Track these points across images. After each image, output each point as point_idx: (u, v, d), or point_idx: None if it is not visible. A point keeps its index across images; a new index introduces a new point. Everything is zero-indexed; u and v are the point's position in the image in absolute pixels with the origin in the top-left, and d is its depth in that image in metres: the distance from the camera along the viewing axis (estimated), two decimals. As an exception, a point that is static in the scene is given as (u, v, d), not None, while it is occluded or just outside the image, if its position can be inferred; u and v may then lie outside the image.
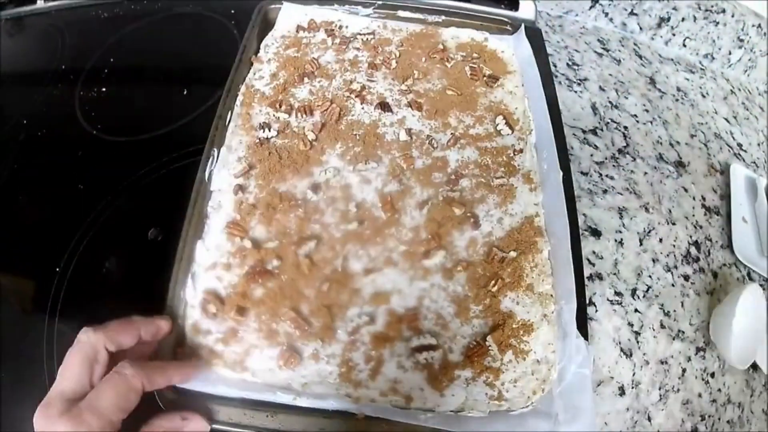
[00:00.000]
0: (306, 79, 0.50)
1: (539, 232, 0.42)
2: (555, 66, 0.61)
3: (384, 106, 0.48)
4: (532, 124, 0.48)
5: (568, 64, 0.62)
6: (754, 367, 0.48)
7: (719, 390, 0.46)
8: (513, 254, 0.41)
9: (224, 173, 0.43)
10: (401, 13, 0.56)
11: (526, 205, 0.44)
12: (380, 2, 0.56)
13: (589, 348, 0.36)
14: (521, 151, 0.46)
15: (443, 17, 0.56)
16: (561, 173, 0.44)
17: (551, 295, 0.40)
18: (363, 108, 0.48)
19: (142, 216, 0.48)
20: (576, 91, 0.60)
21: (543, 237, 0.42)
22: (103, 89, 0.57)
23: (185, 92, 0.56)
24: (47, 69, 0.60)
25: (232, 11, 0.62)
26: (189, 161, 0.49)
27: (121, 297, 0.44)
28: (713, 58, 0.71)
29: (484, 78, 0.51)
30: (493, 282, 0.39)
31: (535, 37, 0.54)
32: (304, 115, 0.47)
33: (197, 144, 0.46)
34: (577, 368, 0.36)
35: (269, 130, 0.46)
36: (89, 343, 0.32)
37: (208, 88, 0.55)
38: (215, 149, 0.44)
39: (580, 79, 0.61)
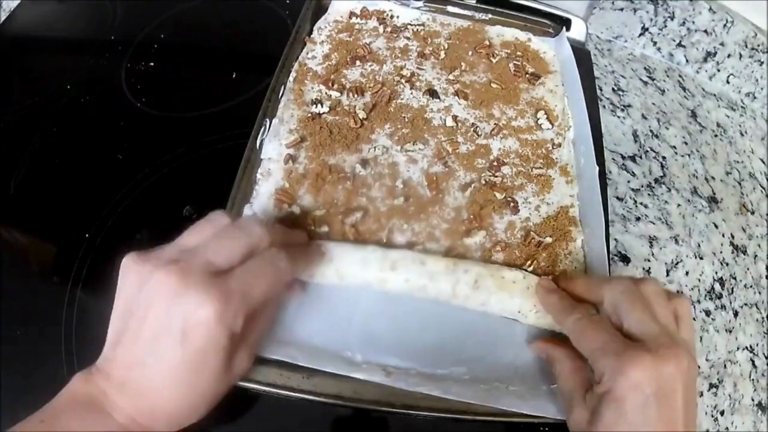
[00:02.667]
0: (358, 62, 0.52)
1: (573, 221, 0.44)
2: (601, 89, 0.61)
3: (432, 93, 0.50)
4: (570, 121, 0.50)
5: (613, 89, 0.63)
6: (764, 409, 0.48)
7: (727, 429, 0.46)
8: (549, 240, 0.42)
9: (275, 143, 0.45)
10: (450, 8, 0.58)
11: (563, 195, 0.46)
12: None
13: None
14: (559, 145, 0.49)
15: (490, 15, 0.58)
16: (597, 168, 0.45)
17: None
18: (412, 93, 0.50)
19: (178, 192, 0.48)
20: (619, 117, 0.60)
21: (577, 227, 0.44)
22: (151, 64, 0.58)
23: (233, 75, 0.57)
24: (96, 38, 0.60)
25: (288, 1, 0.63)
26: (230, 144, 0.50)
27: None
28: (755, 98, 0.70)
29: (527, 75, 0.53)
30: (529, 262, 0.41)
31: (584, 58, 0.55)
32: (356, 95, 0.49)
33: (240, 128, 0.46)
34: None
35: (321, 106, 0.48)
36: (260, 237, 0.32)
37: (256, 74, 0.55)
38: (267, 119, 0.46)
39: (624, 105, 0.61)
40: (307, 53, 0.52)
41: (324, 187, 0.43)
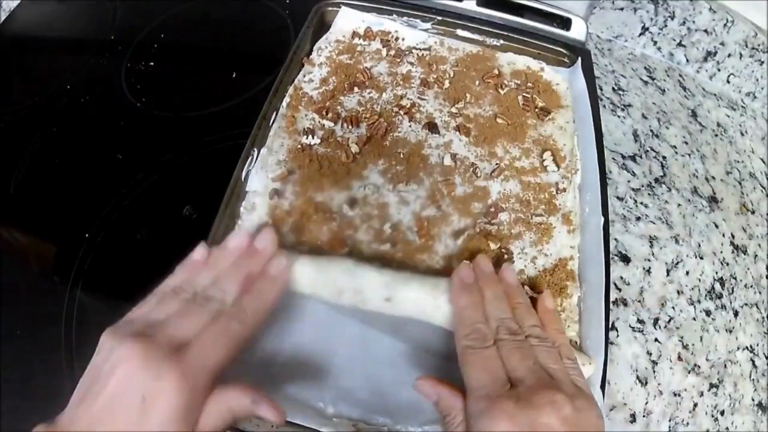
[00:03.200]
0: (356, 89, 0.49)
1: (571, 276, 0.42)
2: (601, 89, 0.61)
3: (432, 127, 0.48)
4: (578, 164, 0.47)
5: (613, 88, 0.63)
6: (764, 409, 0.48)
7: (727, 429, 0.46)
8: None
9: (262, 175, 0.43)
10: (460, 32, 0.56)
11: (562, 246, 0.43)
12: (440, 18, 0.56)
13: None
14: (564, 190, 0.46)
15: (501, 41, 0.56)
16: (602, 219, 0.43)
17: (576, 342, 0.39)
18: (410, 126, 0.48)
19: (178, 192, 0.48)
20: (619, 116, 0.60)
21: (575, 282, 0.41)
22: (151, 64, 0.58)
23: (234, 75, 0.57)
24: (96, 38, 0.61)
25: (288, 1, 0.63)
26: (230, 144, 0.50)
27: (147, 269, 0.44)
28: (755, 97, 0.70)
29: (536, 110, 0.50)
30: None
31: (585, 58, 0.54)
32: (350, 126, 0.47)
33: (240, 128, 0.46)
34: None
35: (313, 137, 0.45)
36: (222, 302, 0.33)
37: (257, 74, 0.55)
38: (255, 149, 0.44)
39: (624, 105, 0.61)
40: (304, 76, 0.50)
41: (308, 226, 0.41)
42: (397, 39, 0.55)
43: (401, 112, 0.48)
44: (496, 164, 0.47)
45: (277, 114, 0.47)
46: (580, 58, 0.54)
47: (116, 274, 0.44)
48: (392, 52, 0.53)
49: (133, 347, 0.29)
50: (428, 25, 0.56)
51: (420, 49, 0.54)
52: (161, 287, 0.35)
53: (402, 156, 0.46)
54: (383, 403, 0.35)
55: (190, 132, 0.52)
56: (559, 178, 0.47)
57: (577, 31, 0.56)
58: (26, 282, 0.44)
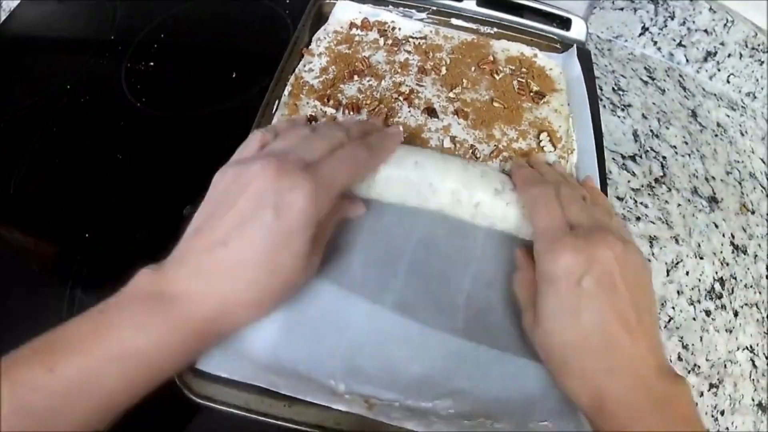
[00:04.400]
0: (356, 77, 0.50)
1: None
2: (601, 89, 0.61)
3: (430, 112, 0.49)
4: (574, 144, 0.48)
5: (613, 88, 0.63)
6: (764, 409, 0.48)
7: (727, 429, 0.46)
8: None
9: None
10: (454, 21, 0.57)
11: None
12: (435, 8, 0.56)
13: None
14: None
15: (495, 29, 0.56)
16: None
17: None
18: (410, 111, 0.49)
19: (178, 192, 0.48)
20: (619, 116, 0.60)
21: None
22: (151, 63, 0.58)
23: (234, 75, 0.57)
24: (96, 38, 0.61)
25: (288, 0, 0.63)
26: (230, 144, 0.50)
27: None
28: (755, 97, 0.70)
29: (531, 94, 0.51)
30: None
31: (585, 58, 0.54)
32: (352, 112, 0.48)
33: (240, 128, 0.46)
34: None
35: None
36: (340, 138, 0.36)
37: (257, 74, 0.55)
38: None
39: (624, 105, 0.61)
40: (304, 65, 0.51)
41: None
42: (393, 29, 0.56)
43: (401, 98, 0.49)
44: (495, 146, 0.47)
45: (279, 102, 0.48)
46: (574, 45, 0.55)
47: (116, 274, 0.44)
48: (389, 42, 0.54)
49: (268, 163, 0.30)
50: (424, 15, 0.57)
51: (416, 38, 0.55)
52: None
53: (403, 140, 0.46)
54: (394, 379, 0.36)
55: (190, 132, 0.52)
56: (555, 158, 0.48)
57: (577, 31, 0.56)
58: (26, 282, 0.44)
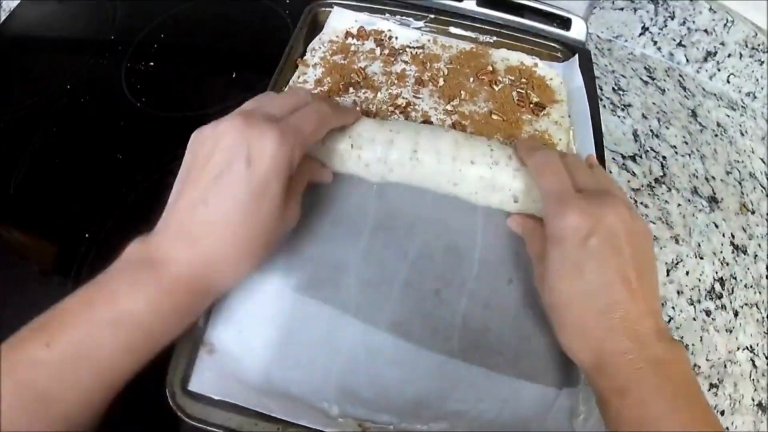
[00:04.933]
0: (351, 89, 0.49)
1: None
2: (601, 89, 0.61)
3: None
4: None
5: (613, 88, 0.63)
6: (764, 409, 0.48)
7: (727, 429, 0.46)
8: None
9: None
10: (453, 30, 0.56)
11: None
12: (433, 16, 0.56)
13: None
14: None
15: (495, 38, 0.56)
16: None
17: None
18: None
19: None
20: (619, 116, 0.60)
21: None
22: (151, 64, 0.58)
23: (234, 75, 0.57)
24: (96, 38, 0.61)
25: (288, 1, 0.63)
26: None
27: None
28: (755, 97, 0.70)
29: (531, 105, 0.50)
30: None
31: (585, 58, 0.54)
32: None
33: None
34: None
35: None
36: (305, 96, 0.37)
37: (257, 74, 0.55)
38: None
39: (624, 105, 0.61)
40: (299, 77, 0.50)
41: None
42: (390, 38, 0.54)
43: (397, 111, 0.48)
44: None
45: None
46: (576, 54, 0.54)
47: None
48: (386, 51, 0.53)
49: (235, 119, 0.31)
50: (421, 23, 0.56)
51: (413, 48, 0.54)
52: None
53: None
54: (388, 401, 0.35)
55: (190, 132, 0.52)
56: None
57: (577, 31, 0.56)
58: (26, 282, 0.44)
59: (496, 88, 0.51)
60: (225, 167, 0.30)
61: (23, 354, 0.26)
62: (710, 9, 0.63)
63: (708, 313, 0.49)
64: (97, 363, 0.27)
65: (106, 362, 0.28)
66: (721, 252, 0.53)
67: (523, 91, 0.51)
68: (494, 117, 0.49)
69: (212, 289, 0.32)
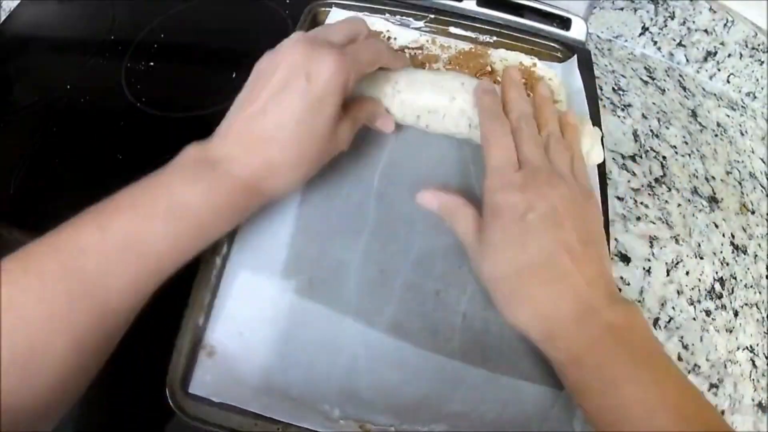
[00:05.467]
0: None
1: None
2: (601, 89, 0.61)
3: None
4: None
5: (613, 88, 0.63)
6: (764, 409, 0.48)
7: (728, 428, 0.47)
8: None
9: None
10: (452, 30, 0.56)
11: None
12: (432, 16, 0.56)
13: None
14: None
15: (494, 38, 0.56)
16: (602, 218, 0.42)
17: None
18: None
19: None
20: (619, 116, 0.60)
21: None
22: (151, 63, 0.58)
23: (233, 75, 0.57)
24: (96, 38, 0.60)
25: (288, 1, 0.63)
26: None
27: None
28: (755, 97, 0.70)
29: None
30: None
31: (585, 58, 0.54)
32: None
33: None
34: None
35: None
36: (364, 27, 0.40)
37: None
38: None
39: (624, 105, 0.61)
40: None
41: None
42: (389, 38, 0.54)
43: None
44: None
45: None
46: (575, 54, 0.54)
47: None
48: None
49: (298, 42, 0.34)
50: (421, 23, 0.56)
51: (412, 48, 0.53)
52: None
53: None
54: (389, 403, 0.35)
55: (190, 132, 0.52)
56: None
57: (577, 31, 0.56)
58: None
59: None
60: (286, 83, 0.32)
61: (74, 239, 0.27)
62: (710, 9, 0.63)
63: (708, 313, 0.49)
64: (146, 252, 0.28)
65: (154, 252, 0.29)
66: (721, 252, 0.53)
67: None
68: None
69: (263, 192, 0.33)
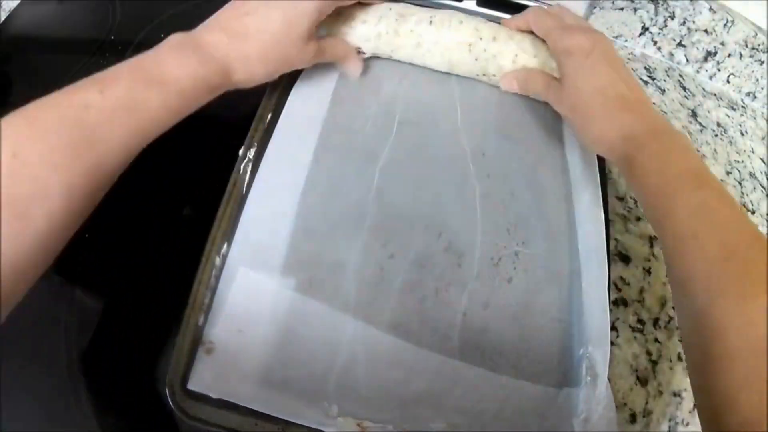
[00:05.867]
0: None
1: None
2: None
3: None
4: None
5: (613, 88, 0.63)
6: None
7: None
8: None
9: None
10: None
11: None
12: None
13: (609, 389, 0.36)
14: None
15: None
16: (603, 213, 0.43)
17: None
18: None
19: (178, 193, 0.48)
20: (619, 116, 0.60)
21: None
22: (151, 63, 0.58)
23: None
24: (96, 38, 0.60)
25: (288, 0, 0.63)
26: (231, 143, 0.50)
27: (148, 270, 0.44)
28: (755, 97, 0.70)
29: None
30: None
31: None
32: None
33: (240, 128, 0.46)
34: (603, 411, 0.35)
35: None
36: None
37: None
38: (251, 149, 0.44)
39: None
40: None
41: None
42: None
43: None
44: None
45: (271, 115, 0.46)
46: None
47: (116, 274, 0.44)
48: None
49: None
50: None
51: None
52: None
53: None
54: (388, 400, 0.35)
55: (190, 132, 0.52)
56: None
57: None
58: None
59: None
60: None
61: (76, 97, 0.31)
62: (710, 9, 0.63)
63: (708, 313, 0.49)
64: (141, 114, 0.32)
65: (148, 115, 0.33)
66: (721, 252, 0.53)
67: None
68: None
69: (236, 77, 0.39)
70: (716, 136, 0.64)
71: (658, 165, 0.35)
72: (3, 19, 0.62)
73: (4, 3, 0.63)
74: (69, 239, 0.31)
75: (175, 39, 0.37)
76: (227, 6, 0.40)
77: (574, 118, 0.42)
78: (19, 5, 0.63)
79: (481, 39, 0.46)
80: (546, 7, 0.50)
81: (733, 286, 0.29)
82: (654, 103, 0.63)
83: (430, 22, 0.46)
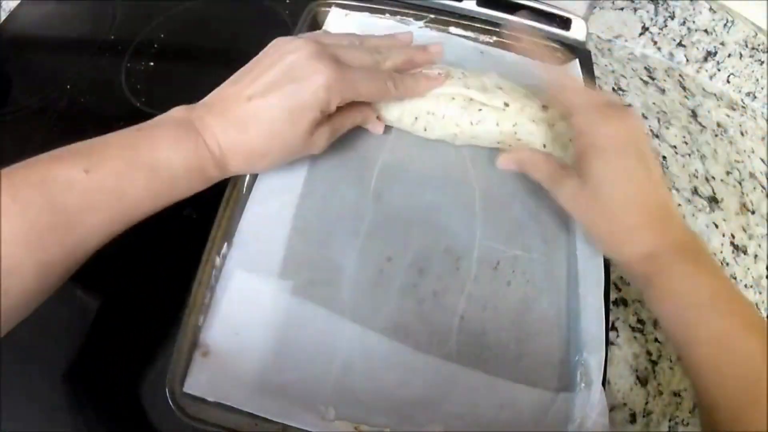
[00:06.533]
0: None
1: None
2: (601, 89, 0.61)
3: None
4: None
5: (614, 88, 0.63)
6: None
7: (728, 428, 0.46)
8: None
9: None
10: (452, 30, 0.56)
11: None
12: (433, 16, 0.55)
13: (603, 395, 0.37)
14: None
15: (494, 38, 0.56)
16: None
17: None
18: None
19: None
20: (619, 117, 0.60)
21: None
22: (151, 63, 0.58)
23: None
24: (96, 38, 0.60)
25: (287, 1, 0.63)
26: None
27: (148, 269, 0.44)
28: (755, 97, 0.70)
29: None
30: None
31: (585, 58, 0.54)
32: None
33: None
34: (597, 417, 0.36)
35: None
36: (384, 57, 0.40)
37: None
38: None
39: (624, 105, 0.61)
40: None
41: None
42: None
43: None
44: None
45: None
46: (576, 58, 0.54)
47: (117, 274, 0.44)
48: None
49: (309, 43, 0.36)
50: (421, 24, 0.56)
51: None
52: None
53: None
54: (385, 404, 0.35)
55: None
56: None
57: (576, 31, 0.56)
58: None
59: None
60: (279, 82, 0.34)
61: (60, 174, 0.29)
62: (710, 9, 0.63)
63: (708, 313, 0.49)
64: (125, 199, 0.31)
65: (133, 200, 0.31)
66: (721, 252, 0.53)
67: None
68: None
69: (229, 168, 0.36)
70: (716, 136, 0.64)
71: (680, 288, 0.33)
72: (3, 19, 0.62)
73: (4, 3, 0.63)
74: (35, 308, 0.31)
75: (175, 116, 0.35)
76: (236, 75, 0.38)
77: (593, 226, 0.37)
78: (19, 5, 0.63)
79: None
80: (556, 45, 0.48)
81: None
82: (654, 103, 0.63)
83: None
